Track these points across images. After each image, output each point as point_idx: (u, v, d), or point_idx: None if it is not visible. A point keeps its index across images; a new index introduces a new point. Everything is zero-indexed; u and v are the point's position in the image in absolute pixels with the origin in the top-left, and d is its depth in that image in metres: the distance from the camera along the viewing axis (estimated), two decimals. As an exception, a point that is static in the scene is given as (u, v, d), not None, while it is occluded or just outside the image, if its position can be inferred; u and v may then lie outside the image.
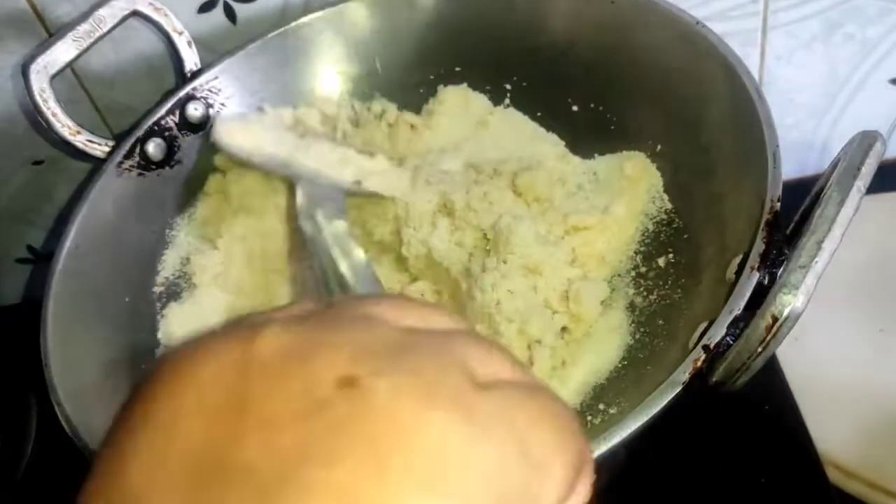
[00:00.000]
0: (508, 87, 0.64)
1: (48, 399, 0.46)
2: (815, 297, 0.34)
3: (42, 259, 0.74)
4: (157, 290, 0.59)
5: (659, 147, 0.56)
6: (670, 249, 0.52)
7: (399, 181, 0.56)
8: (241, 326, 0.21)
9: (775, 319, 0.32)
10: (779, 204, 0.41)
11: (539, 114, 0.62)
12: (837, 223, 0.33)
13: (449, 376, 0.20)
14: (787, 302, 0.32)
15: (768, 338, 0.33)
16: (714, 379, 0.36)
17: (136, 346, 0.54)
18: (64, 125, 0.57)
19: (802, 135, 0.77)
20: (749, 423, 0.57)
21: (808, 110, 0.75)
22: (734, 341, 0.37)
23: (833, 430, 0.57)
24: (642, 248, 0.54)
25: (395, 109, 0.64)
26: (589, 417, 0.46)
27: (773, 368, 0.59)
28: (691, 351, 0.38)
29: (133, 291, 0.57)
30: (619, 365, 0.49)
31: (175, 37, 0.61)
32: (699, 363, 0.37)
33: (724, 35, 0.51)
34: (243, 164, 0.59)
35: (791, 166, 0.79)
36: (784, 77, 0.72)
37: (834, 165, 0.37)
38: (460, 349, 0.21)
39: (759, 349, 0.33)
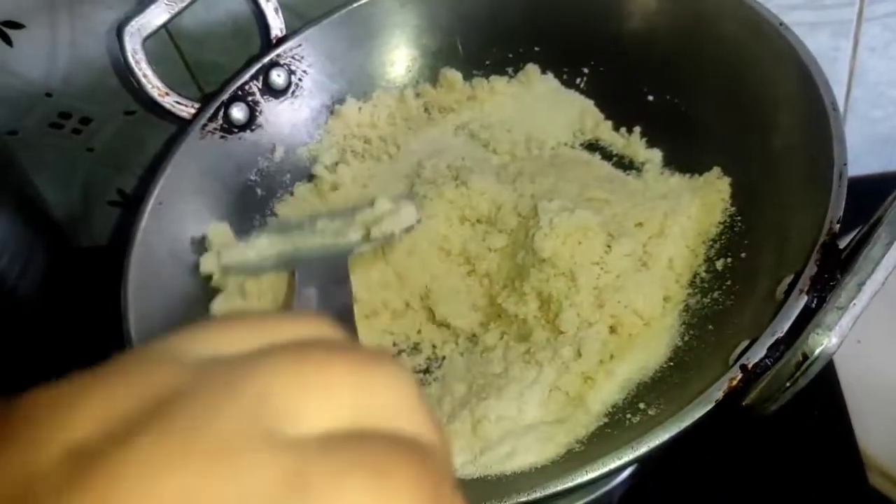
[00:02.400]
0: (585, 70, 0.64)
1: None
2: (877, 299, 0.34)
3: (131, 203, 0.78)
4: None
5: (730, 146, 0.55)
6: (729, 253, 0.52)
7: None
8: None
9: (805, 357, 0.33)
10: (838, 226, 0.41)
11: (613, 101, 0.62)
12: (882, 266, 0.33)
13: (222, 425, 0.15)
14: (820, 343, 0.32)
15: (797, 374, 0.33)
16: (745, 402, 0.36)
17: (206, 300, 0.58)
18: (154, 87, 0.60)
19: (890, 129, 0.74)
20: (796, 422, 0.57)
21: (898, 105, 0.72)
22: (773, 364, 0.37)
23: (880, 436, 0.57)
24: (703, 250, 0.54)
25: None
26: (628, 415, 0.47)
27: (827, 369, 0.58)
28: (730, 368, 0.39)
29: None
30: (665, 365, 0.49)
31: (262, 2, 0.63)
32: (735, 382, 0.37)
33: (817, 24, 0.50)
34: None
35: (876, 160, 0.77)
36: (876, 70, 0.69)
37: (889, 205, 0.36)
38: (264, 382, 0.16)
39: (788, 384, 0.34)
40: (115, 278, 0.54)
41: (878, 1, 0.65)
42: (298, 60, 0.64)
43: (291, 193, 0.64)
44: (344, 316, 0.49)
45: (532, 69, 0.65)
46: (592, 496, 0.57)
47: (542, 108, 0.64)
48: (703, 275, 0.53)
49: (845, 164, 0.43)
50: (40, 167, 0.75)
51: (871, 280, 0.33)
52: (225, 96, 0.62)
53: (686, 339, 0.50)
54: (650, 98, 0.61)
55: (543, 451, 0.46)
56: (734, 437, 0.56)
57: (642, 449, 0.37)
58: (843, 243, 0.41)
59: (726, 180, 0.55)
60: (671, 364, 0.49)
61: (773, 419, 0.55)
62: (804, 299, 0.39)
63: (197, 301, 0.57)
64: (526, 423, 0.49)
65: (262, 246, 0.58)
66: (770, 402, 0.35)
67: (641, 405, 0.47)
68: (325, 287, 0.53)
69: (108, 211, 0.80)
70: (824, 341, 0.32)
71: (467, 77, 0.66)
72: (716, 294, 0.51)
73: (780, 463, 0.56)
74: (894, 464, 0.55)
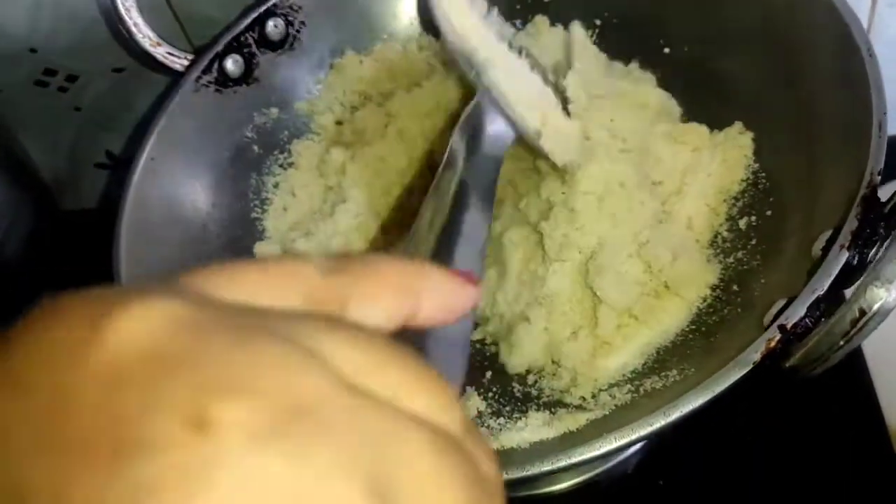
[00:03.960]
0: (598, 22, 0.61)
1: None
2: None
3: (120, 165, 0.75)
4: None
5: (753, 99, 0.53)
6: (753, 212, 0.50)
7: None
8: (109, 296, 0.16)
9: (863, 313, 0.30)
10: (879, 178, 0.38)
11: (627, 54, 0.59)
12: (944, 215, 0.31)
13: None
14: (879, 297, 0.30)
15: (853, 332, 0.31)
16: (789, 363, 0.34)
17: (203, 260, 0.55)
18: (145, 36, 0.57)
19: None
20: (819, 387, 0.55)
21: (915, 63, 0.70)
22: (813, 325, 0.35)
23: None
24: (724, 208, 0.51)
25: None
26: (650, 381, 0.45)
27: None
28: (766, 328, 0.36)
29: (205, 207, 0.57)
30: (688, 328, 0.47)
31: (258, -51, 0.59)
32: (773, 343, 0.35)
33: (833, -25, 0.47)
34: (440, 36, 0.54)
35: (891, 124, 0.74)
36: (895, 24, 0.67)
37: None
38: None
39: (842, 342, 0.31)
40: (106, 241, 0.51)
41: (899, -47, 0.62)
42: (296, 11, 0.61)
43: (289, 153, 0.61)
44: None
45: (541, 21, 0.61)
46: (608, 465, 0.55)
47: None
48: (725, 234, 0.51)
49: (885, 114, 0.41)
50: (25, 127, 0.72)
51: (932, 230, 0.31)
52: (219, 48, 0.58)
53: (709, 301, 0.48)
54: (666, 51, 0.58)
55: (560, 422, 0.44)
56: (753, 407, 0.54)
57: (675, 414, 0.35)
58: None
59: (749, 135, 0.52)
60: (693, 328, 0.47)
61: (796, 389, 0.53)
62: (845, 255, 0.36)
63: (193, 262, 0.54)
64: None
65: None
66: (819, 362, 0.32)
67: (664, 371, 0.45)
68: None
69: (96, 173, 0.77)
70: (883, 294, 0.30)
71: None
72: (739, 254, 0.49)
73: (803, 433, 0.55)
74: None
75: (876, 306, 0.30)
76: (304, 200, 0.59)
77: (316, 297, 0.18)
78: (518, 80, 0.50)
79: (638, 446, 0.54)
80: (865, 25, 0.66)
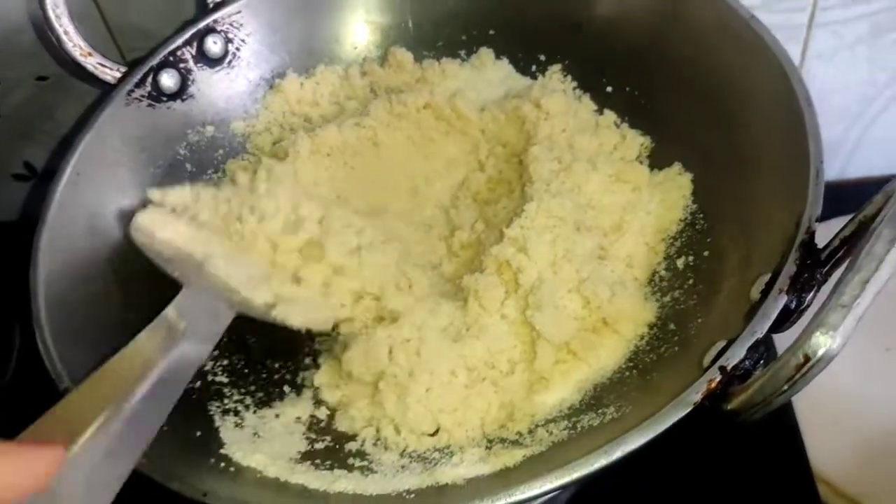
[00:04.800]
0: (542, 57, 0.61)
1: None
2: None
3: (38, 177, 0.72)
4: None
5: (693, 141, 0.54)
6: (691, 252, 0.50)
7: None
8: None
9: (807, 359, 0.31)
10: (817, 224, 0.39)
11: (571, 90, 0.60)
12: (886, 262, 0.31)
13: None
14: (823, 343, 0.30)
15: (797, 377, 0.31)
16: (731, 406, 0.34)
17: (128, 281, 0.53)
18: (76, 45, 0.55)
19: (830, 138, 0.74)
20: (746, 431, 0.55)
21: (838, 113, 0.73)
22: (752, 365, 0.35)
23: (830, 448, 0.56)
24: (663, 247, 0.52)
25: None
26: (587, 417, 0.44)
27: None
28: (706, 369, 0.37)
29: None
30: (625, 366, 0.47)
31: (200, -37, 0.58)
32: (714, 384, 0.35)
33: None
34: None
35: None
36: (822, 77, 0.69)
37: (886, 198, 0.35)
38: None
39: (786, 387, 0.32)
40: (22, 256, 0.49)
41: (829, 8, 0.65)
42: (237, 28, 0.60)
43: (223, 172, 0.59)
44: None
45: (486, 53, 0.62)
46: (538, 502, 0.54)
47: (495, 95, 0.61)
48: (663, 273, 0.51)
49: (821, 162, 0.42)
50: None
51: (875, 279, 0.31)
52: (155, 61, 0.57)
53: (646, 339, 0.48)
54: (609, 90, 0.58)
55: (497, 458, 0.43)
56: (683, 447, 0.54)
57: (617, 453, 0.34)
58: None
59: (688, 176, 0.53)
60: (631, 365, 0.47)
61: (723, 431, 0.54)
62: (784, 299, 0.37)
63: (117, 282, 0.52)
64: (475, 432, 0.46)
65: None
66: (761, 406, 0.33)
67: (600, 407, 0.45)
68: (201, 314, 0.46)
69: (12, 185, 0.73)
70: (828, 342, 0.30)
71: (418, 58, 0.62)
72: (677, 293, 0.49)
73: (732, 476, 0.55)
74: (844, 478, 0.55)
75: (820, 352, 0.30)
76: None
77: None
78: (240, 264, 0.49)
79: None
80: (794, 76, 0.69)
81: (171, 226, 0.50)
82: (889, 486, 0.55)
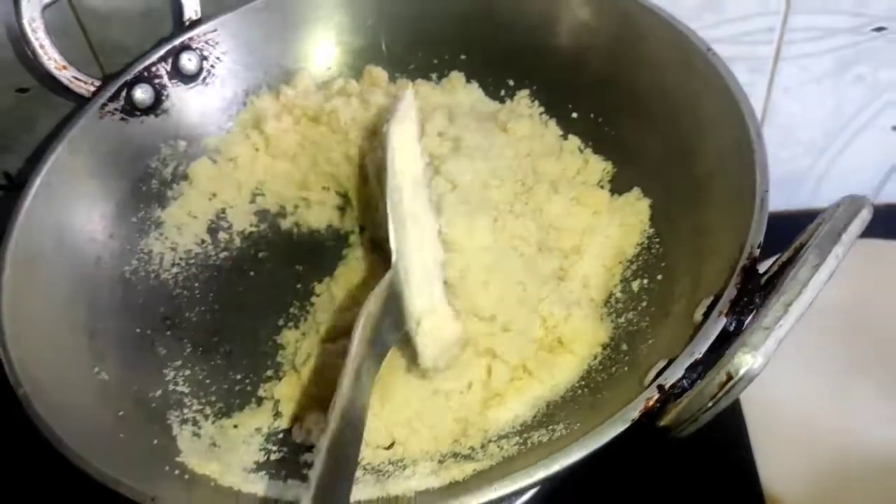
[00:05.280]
0: (511, 82, 0.63)
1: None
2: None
3: (17, 188, 0.72)
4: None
5: (652, 168, 0.55)
6: (646, 275, 0.52)
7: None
8: None
9: (730, 377, 0.32)
10: (758, 251, 0.40)
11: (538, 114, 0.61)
12: (809, 288, 0.33)
13: None
14: (745, 362, 0.32)
15: (720, 394, 0.32)
16: (663, 422, 0.35)
17: (96, 291, 0.53)
18: (51, 58, 0.56)
19: (796, 169, 0.76)
20: (698, 449, 0.56)
21: (805, 146, 0.74)
22: (690, 384, 0.36)
23: (780, 468, 0.57)
24: (619, 270, 0.53)
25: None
26: (538, 434, 0.45)
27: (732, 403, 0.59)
28: (646, 388, 0.38)
29: (102, 237, 0.56)
30: (577, 384, 0.48)
31: (177, -19, 0.59)
32: (651, 402, 0.36)
33: (733, 59, 0.50)
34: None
35: (781, 198, 0.78)
36: (788, 110, 0.71)
37: (819, 223, 0.36)
38: None
39: (710, 404, 0.33)
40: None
41: (795, 41, 0.66)
42: (212, 46, 0.61)
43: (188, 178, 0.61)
44: None
45: (456, 77, 0.63)
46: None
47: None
48: (619, 295, 0.52)
49: (766, 191, 0.43)
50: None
51: (798, 301, 0.32)
52: (129, 76, 0.58)
53: (599, 359, 0.49)
54: (574, 115, 0.60)
55: (447, 472, 0.44)
56: (637, 467, 0.55)
57: (555, 467, 0.35)
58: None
59: (646, 201, 0.55)
60: (583, 384, 0.48)
61: (676, 451, 0.55)
62: (723, 321, 0.38)
63: (83, 299, 0.52)
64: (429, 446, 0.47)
65: None
66: (689, 423, 0.34)
67: (551, 425, 0.46)
68: None
69: (-8, 195, 0.74)
70: (749, 361, 0.31)
71: (391, 79, 0.64)
72: (630, 315, 0.50)
73: (683, 496, 0.55)
74: (795, 499, 0.56)
75: (742, 371, 0.32)
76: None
77: None
78: (421, 252, 0.49)
79: (526, 497, 0.54)
80: (761, 108, 0.70)
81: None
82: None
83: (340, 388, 0.39)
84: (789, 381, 0.60)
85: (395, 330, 0.46)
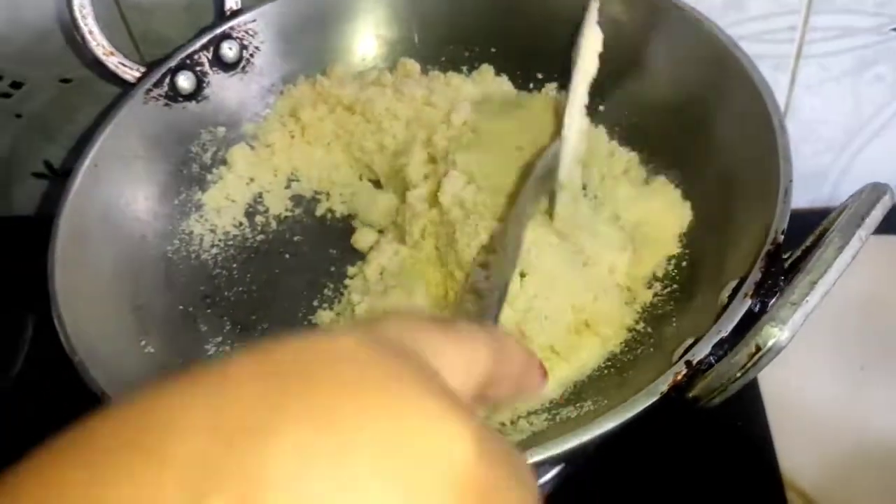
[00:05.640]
0: (539, 75, 0.64)
1: (44, 319, 0.47)
2: (802, 327, 0.35)
3: (58, 176, 0.75)
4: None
5: (677, 159, 0.57)
6: (671, 261, 0.53)
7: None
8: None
9: (758, 349, 0.34)
10: (782, 237, 0.42)
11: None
12: (834, 267, 0.34)
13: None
14: (773, 334, 0.33)
15: (749, 365, 0.34)
16: (692, 393, 0.37)
17: (141, 268, 0.56)
18: (99, 44, 0.58)
19: (818, 166, 0.77)
20: (720, 438, 0.58)
21: (827, 143, 0.75)
22: (716, 361, 0.38)
23: (801, 458, 0.58)
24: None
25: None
26: (566, 410, 0.47)
27: (752, 388, 0.60)
28: (674, 364, 0.39)
29: (146, 217, 0.58)
30: (603, 365, 0.50)
31: (219, -27, 0.61)
32: (679, 377, 0.38)
33: (756, 57, 0.52)
34: None
35: (803, 196, 0.80)
36: (810, 107, 0.72)
37: (841, 210, 0.38)
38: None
39: (739, 374, 0.35)
40: (37, 248, 0.51)
41: (817, 40, 0.67)
42: (252, 35, 0.63)
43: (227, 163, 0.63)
44: None
45: (486, 69, 0.65)
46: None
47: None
48: (644, 280, 0.54)
49: (790, 181, 0.45)
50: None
51: (823, 280, 0.34)
52: (173, 63, 0.60)
53: (624, 341, 0.51)
54: (601, 108, 0.62)
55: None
56: (657, 454, 0.57)
57: (587, 436, 0.37)
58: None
59: (673, 191, 0.56)
60: (609, 364, 0.50)
61: (697, 438, 0.57)
62: (748, 303, 0.40)
63: (127, 272, 0.55)
64: None
65: None
66: (717, 392, 0.36)
67: (579, 402, 0.47)
68: None
69: (30, 182, 0.76)
70: (777, 333, 0.33)
71: (423, 71, 0.65)
72: (655, 299, 0.52)
73: (702, 483, 0.57)
74: (814, 486, 0.57)
75: (770, 342, 0.34)
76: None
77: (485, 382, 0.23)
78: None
79: (550, 475, 0.56)
80: (783, 105, 0.72)
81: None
82: (858, 499, 0.58)
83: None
84: (809, 371, 0.62)
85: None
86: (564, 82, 0.63)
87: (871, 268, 0.66)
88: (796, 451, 0.59)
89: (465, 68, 0.66)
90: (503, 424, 0.48)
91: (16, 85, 0.68)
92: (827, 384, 0.62)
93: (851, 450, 0.59)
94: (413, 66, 0.65)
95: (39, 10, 0.62)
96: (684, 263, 0.53)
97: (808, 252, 0.39)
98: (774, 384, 0.60)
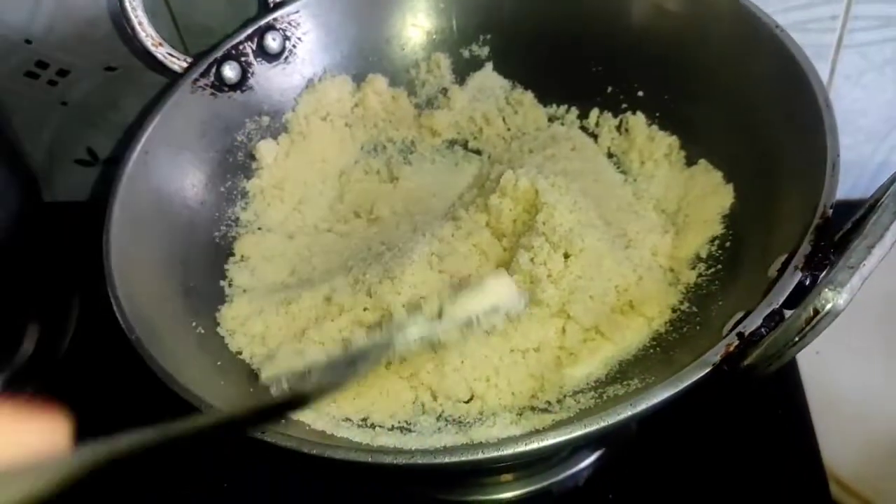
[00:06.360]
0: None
1: (89, 300, 0.48)
2: (844, 315, 0.35)
3: (100, 164, 0.76)
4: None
5: (718, 142, 0.57)
6: (714, 242, 0.54)
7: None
8: None
9: (816, 312, 0.34)
10: (831, 210, 0.42)
11: (605, 94, 0.64)
12: (891, 231, 0.34)
13: None
14: (831, 298, 0.33)
15: (807, 329, 0.34)
16: (746, 362, 0.37)
17: (190, 252, 0.57)
18: (148, 35, 0.59)
19: (857, 157, 0.77)
20: (760, 425, 0.58)
21: (867, 134, 0.75)
22: (767, 333, 0.38)
23: (841, 446, 0.58)
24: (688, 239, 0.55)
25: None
26: (612, 388, 0.47)
27: (792, 376, 0.60)
28: (725, 336, 0.39)
29: (194, 204, 0.59)
30: (649, 344, 0.50)
31: (263, -35, 0.62)
32: (732, 348, 0.38)
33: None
34: None
35: (842, 187, 0.79)
36: (850, 97, 0.72)
37: (893, 180, 0.38)
38: None
39: (796, 338, 0.35)
40: (87, 233, 0.52)
41: (857, 30, 0.67)
42: (294, 27, 0.64)
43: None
44: None
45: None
46: (558, 477, 0.57)
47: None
48: (688, 261, 0.54)
49: (838, 155, 0.45)
50: (10, 116, 0.72)
51: (881, 244, 0.34)
52: (218, 54, 0.61)
53: (669, 320, 0.51)
54: (640, 94, 0.62)
55: (527, 421, 0.46)
56: (698, 445, 0.57)
57: (642, 405, 0.37)
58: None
59: (716, 174, 0.56)
60: (654, 343, 0.50)
61: (741, 429, 0.56)
62: (798, 275, 0.40)
63: (179, 256, 0.56)
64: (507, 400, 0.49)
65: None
66: (775, 358, 0.36)
67: (625, 380, 0.48)
68: None
69: (73, 168, 0.78)
70: (834, 297, 0.33)
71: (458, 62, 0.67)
72: (699, 279, 0.52)
73: (745, 473, 0.57)
74: (856, 478, 0.57)
75: (828, 307, 0.34)
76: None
77: None
78: None
79: (590, 460, 0.56)
80: (823, 94, 0.71)
81: None
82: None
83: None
84: (849, 360, 0.61)
85: None
86: (605, 69, 0.64)
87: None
88: (837, 440, 0.58)
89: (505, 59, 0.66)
90: (549, 403, 0.48)
91: (62, 73, 0.70)
92: (868, 374, 0.62)
93: (892, 439, 0.59)
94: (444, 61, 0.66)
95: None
96: (728, 244, 0.53)
97: (859, 225, 0.39)
98: (815, 373, 0.60)
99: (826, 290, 0.33)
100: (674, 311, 0.51)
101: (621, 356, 0.50)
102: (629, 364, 0.50)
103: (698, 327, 0.49)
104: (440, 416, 0.49)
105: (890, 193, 0.36)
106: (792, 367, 0.60)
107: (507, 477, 0.56)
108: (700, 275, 0.53)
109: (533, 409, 0.48)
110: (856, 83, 0.71)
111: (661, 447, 0.57)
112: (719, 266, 0.52)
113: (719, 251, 0.53)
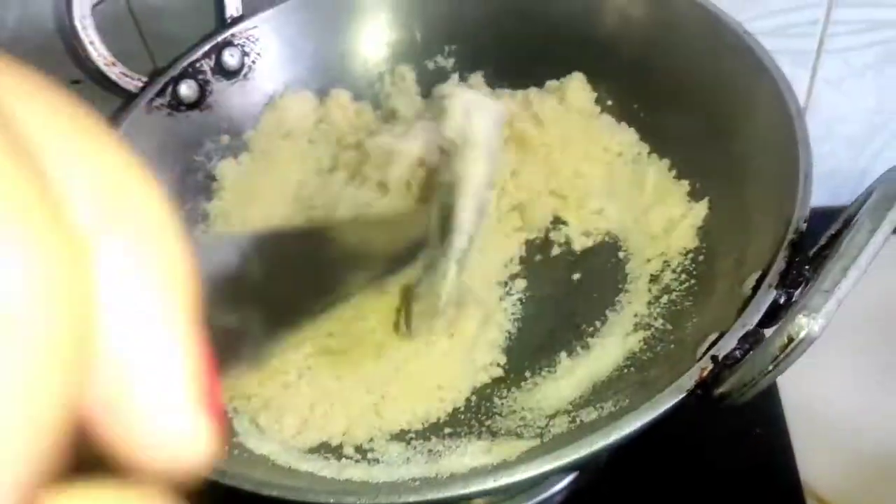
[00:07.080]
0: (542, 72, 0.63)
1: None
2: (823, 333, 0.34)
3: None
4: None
5: (688, 152, 0.56)
6: (687, 256, 0.52)
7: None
8: None
9: (791, 340, 0.32)
10: (804, 225, 0.41)
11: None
12: (865, 251, 0.33)
13: None
14: (806, 324, 0.32)
15: (781, 357, 0.33)
16: (720, 391, 0.36)
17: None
18: (100, 55, 0.57)
19: (838, 164, 0.75)
20: (738, 443, 0.57)
21: (847, 140, 0.74)
22: (742, 355, 0.37)
23: (819, 463, 0.57)
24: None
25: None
26: (585, 412, 0.46)
27: (772, 394, 0.60)
28: (699, 360, 0.38)
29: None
30: (623, 364, 0.49)
31: (219, -23, 0.61)
32: (706, 372, 0.37)
33: (776, 52, 0.51)
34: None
35: (822, 194, 0.77)
36: (830, 103, 0.70)
37: (868, 194, 0.37)
38: None
39: (770, 367, 0.33)
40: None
41: (838, 34, 0.66)
42: (253, 42, 0.62)
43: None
44: None
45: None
46: (531, 501, 0.55)
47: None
48: (659, 276, 0.53)
49: (810, 166, 0.44)
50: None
51: (856, 265, 0.33)
52: (175, 72, 0.59)
53: (643, 339, 0.50)
54: (609, 103, 0.61)
55: (499, 450, 0.45)
56: (674, 462, 0.56)
57: (614, 435, 0.36)
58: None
59: (683, 184, 0.55)
60: (628, 363, 0.49)
61: (716, 445, 0.55)
62: (773, 293, 0.39)
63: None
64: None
65: None
66: (748, 387, 0.34)
67: (598, 403, 0.46)
68: None
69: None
70: (809, 324, 0.32)
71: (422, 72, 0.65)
72: (673, 296, 0.51)
73: (721, 489, 0.56)
74: (834, 493, 0.56)
75: (802, 334, 0.32)
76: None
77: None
78: None
79: (564, 483, 0.55)
80: (803, 101, 0.70)
81: None
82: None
83: None
84: (829, 377, 0.60)
85: None
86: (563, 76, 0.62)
87: (892, 271, 0.64)
88: (816, 458, 0.57)
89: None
90: (521, 427, 0.47)
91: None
92: (848, 390, 0.61)
93: (872, 457, 0.58)
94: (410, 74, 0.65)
95: (49, 10, 0.61)
96: (701, 257, 0.52)
97: (834, 240, 0.38)
98: (794, 390, 0.59)
99: (800, 316, 0.32)
100: (647, 328, 0.50)
101: (595, 377, 0.49)
102: (603, 385, 0.48)
103: (672, 346, 0.47)
104: (409, 442, 0.47)
105: (864, 210, 0.34)
106: (771, 385, 0.59)
107: (479, 502, 0.55)
108: (674, 290, 0.51)
109: (506, 434, 0.47)
110: (836, 89, 0.69)
111: (638, 467, 0.56)
112: (693, 280, 0.51)
113: (693, 265, 0.52)
